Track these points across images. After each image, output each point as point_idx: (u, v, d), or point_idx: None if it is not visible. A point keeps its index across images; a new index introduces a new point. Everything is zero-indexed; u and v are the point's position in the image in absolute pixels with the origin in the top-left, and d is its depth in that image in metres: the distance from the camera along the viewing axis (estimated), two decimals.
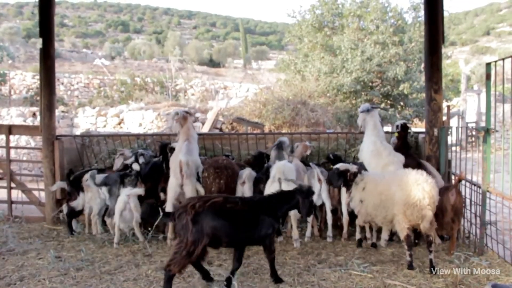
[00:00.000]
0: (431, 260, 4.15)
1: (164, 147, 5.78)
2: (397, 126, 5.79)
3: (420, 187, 4.10)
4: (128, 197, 5.16)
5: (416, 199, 4.09)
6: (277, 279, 3.88)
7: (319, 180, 5.21)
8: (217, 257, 4.60)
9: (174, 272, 3.50)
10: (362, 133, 5.61)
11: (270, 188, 4.97)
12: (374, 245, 4.97)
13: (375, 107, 5.67)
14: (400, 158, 5.11)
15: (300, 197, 3.89)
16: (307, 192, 3.94)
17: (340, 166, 4.77)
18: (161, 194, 5.57)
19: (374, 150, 5.15)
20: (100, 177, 5.56)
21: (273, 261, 3.88)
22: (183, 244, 3.48)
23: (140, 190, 5.29)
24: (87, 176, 5.64)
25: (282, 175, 4.89)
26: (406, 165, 5.03)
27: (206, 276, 3.86)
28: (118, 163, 6.01)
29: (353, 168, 4.71)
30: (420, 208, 4.09)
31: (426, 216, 4.10)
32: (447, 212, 4.52)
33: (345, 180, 4.68)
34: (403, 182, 4.23)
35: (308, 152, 5.91)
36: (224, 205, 3.67)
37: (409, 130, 5.91)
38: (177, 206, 3.76)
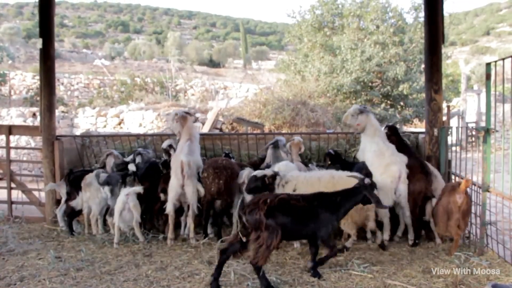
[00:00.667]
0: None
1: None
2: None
3: None
4: (127, 196, 5.15)
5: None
6: (316, 273, 3.99)
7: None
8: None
9: (261, 264, 3.66)
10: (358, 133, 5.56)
11: None
12: (382, 246, 4.94)
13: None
14: (403, 158, 5.09)
15: (366, 193, 4.02)
16: (371, 186, 4.08)
17: (257, 172, 4.77)
18: (161, 195, 5.56)
19: (377, 150, 5.11)
20: (103, 177, 5.56)
21: (329, 258, 4.06)
22: (260, 239, 3.63)
23: (139, 188, 5.29)
24: (91, 175, 5.64)
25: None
26: (408, 166, 5.04)
27: (217, 278, 3.81)
28: (110, 162, 6.02)
29: (269, 172, 4.74)
30: (365, 210, 4.39)
31: (371, 217, 4.51)
32: (453, 214, 4.45)
33: (264, 185, 4.66)
34: (348, 185, 4.32)
35: (302, 149, 5.91)
36: (289, 201, 3.83)
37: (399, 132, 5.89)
38: (248, 202, 3.90)
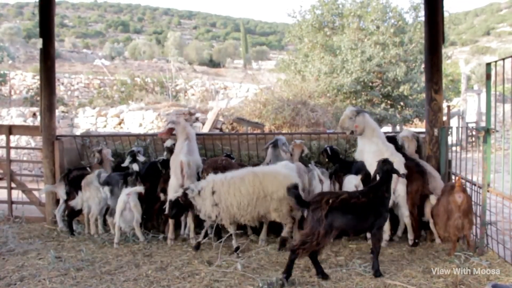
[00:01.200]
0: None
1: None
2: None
3: (297, 179, 4.58)
4: (128, 196, 5.15)
5: None
6: (377, 272, 4.00)
7: (321, 180, 5.21)
8: (217, 257, 4.59)
9: (300, 256, 3.83)
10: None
11: None
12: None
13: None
14: (402, 159, 5.10)
15: (390, 169, 4.16)
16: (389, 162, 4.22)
17: (171, 197, 4.83)
18: (161, 195, 5.56)
19: (377, 151, 5.11)
20: (103, 177, 5.56)
21: (378, 251, 4.06)
22: (315, 236, 3.77)
23: (140, 188, 5.29)
24: (92, 175, 5.64)
25: None
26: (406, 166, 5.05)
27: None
28: (108, 155, 6.07)
29: (179, 193, 4.75)
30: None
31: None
32: (453, 214, 4.43)
33: (182, 205, 4.72)
34: (280, 179, 4.49)
35: (306, 151, 5.91)
36: (350, 200, 3.94)
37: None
38: (312, 200, 3.99)
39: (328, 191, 4.96)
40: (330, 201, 3.84)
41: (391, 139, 5.71)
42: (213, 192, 4.63)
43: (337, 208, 3.85)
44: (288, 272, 3.82)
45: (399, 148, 5.62)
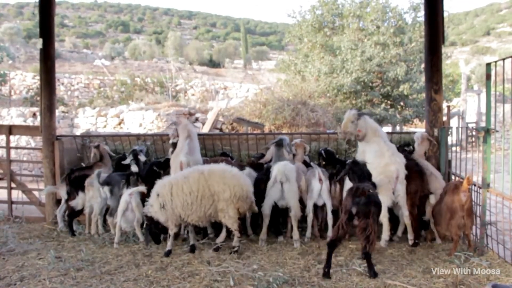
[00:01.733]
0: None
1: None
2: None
3: (246, 180, 4.64)
4: (130, 196, 5.15)
5: (245, 191, 4.56)
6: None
7: (320, 180, 5.20)
8: (217, 257, 4.60)
9: (372, 251, 4.01)
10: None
11: (272, 189, 4.97)
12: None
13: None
14: (403, 159, 5.10)
15: None
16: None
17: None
18: None
19: (378, 150, 5.11)
20: (102, 177, 5.56)
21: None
22: (369, 228, 3.92)
23: (142, 188, 5.29)
24: (93, 175, 5.64)
25: (283, 176, 4.89)
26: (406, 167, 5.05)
27: (329, 271, 4.02)
28: (106, 150, 6.11)
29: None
30: (250, 198, 4.64)
31: (253, 202, 4.74)
32: (457, 213, 4.42)
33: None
34: (227, 179, 4.51)
35: (307, 149, 5.90)
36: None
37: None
38: (353, 193, 4.08)
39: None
40: (370, 190, 4.06)
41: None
42: (158, 195, 4.61)
43: (375, 197, 4.09)
44: (374, 273, 3.97)
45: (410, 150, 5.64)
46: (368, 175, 4.52)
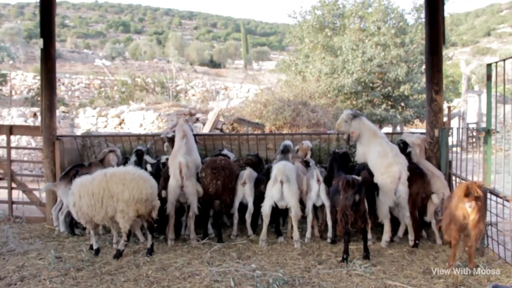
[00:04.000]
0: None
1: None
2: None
3: (148, 183, 4.67)
4: None
5: (144, 194, 4.60)
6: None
7: (318, 180, 5.21)
8: (217, 257, 4.60)
9: (368, 227, 4.73)
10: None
11: (272, 189, 4.97)
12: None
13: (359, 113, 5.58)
14: (405, 160, 5.09)
15: None
16: None
17: None
18: (163, 192, 5.51)
19: (381, 151, 5.08)
20: None
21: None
22: (366, 209, 4.54)
23: None
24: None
25: (284, 176, 4.89)
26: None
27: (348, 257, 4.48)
28: (113, 161, 6.02)
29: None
30: (151, 201, 4.67)
31: (156, 206, 4.75)
32: (458, 221, 4.09)
33: None
34: (127, 181, 4.58)
35: (309, 154, 5.92)
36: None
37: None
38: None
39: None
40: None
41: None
42: (73, 193, 4.78)
43: None
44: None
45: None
46: (346, 164, 5.15)
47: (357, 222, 4.50)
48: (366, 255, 4.55)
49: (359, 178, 4.77)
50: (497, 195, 4.61)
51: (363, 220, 4.51)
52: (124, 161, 6.16)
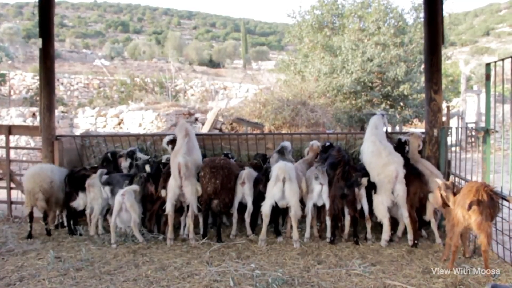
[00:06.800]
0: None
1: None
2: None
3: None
4: (122, 196, 5.11)
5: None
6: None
7: (320, 183, 5.20)
8: (216, 257, 4.60)
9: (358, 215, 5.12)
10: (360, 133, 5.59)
11: (274, 188, 4.97)
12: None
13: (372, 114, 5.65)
14: (400, 159, 5.10)
15: None
16: None
17: None
18: (163, 191, 5.50)
19: (375, 150, 5.11)
20: (104, 177, 5.55)
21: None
22: (355, 198, 5.03)
23: (134, 187, 5.27)
24: (95, 175, 5.63)
25: (286, 175, 4.89)
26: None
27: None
28: (125, 165, 6.02)
29: None
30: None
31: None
32: (460, 224, 4.01)
33: None
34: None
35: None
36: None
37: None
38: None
39: None
40: None
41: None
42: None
43: None
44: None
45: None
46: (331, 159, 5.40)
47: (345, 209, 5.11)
48: (356, 241, 5.07)
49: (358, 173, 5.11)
50: (496, 195, 4.57)
51: (353, 209, 5.04)
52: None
